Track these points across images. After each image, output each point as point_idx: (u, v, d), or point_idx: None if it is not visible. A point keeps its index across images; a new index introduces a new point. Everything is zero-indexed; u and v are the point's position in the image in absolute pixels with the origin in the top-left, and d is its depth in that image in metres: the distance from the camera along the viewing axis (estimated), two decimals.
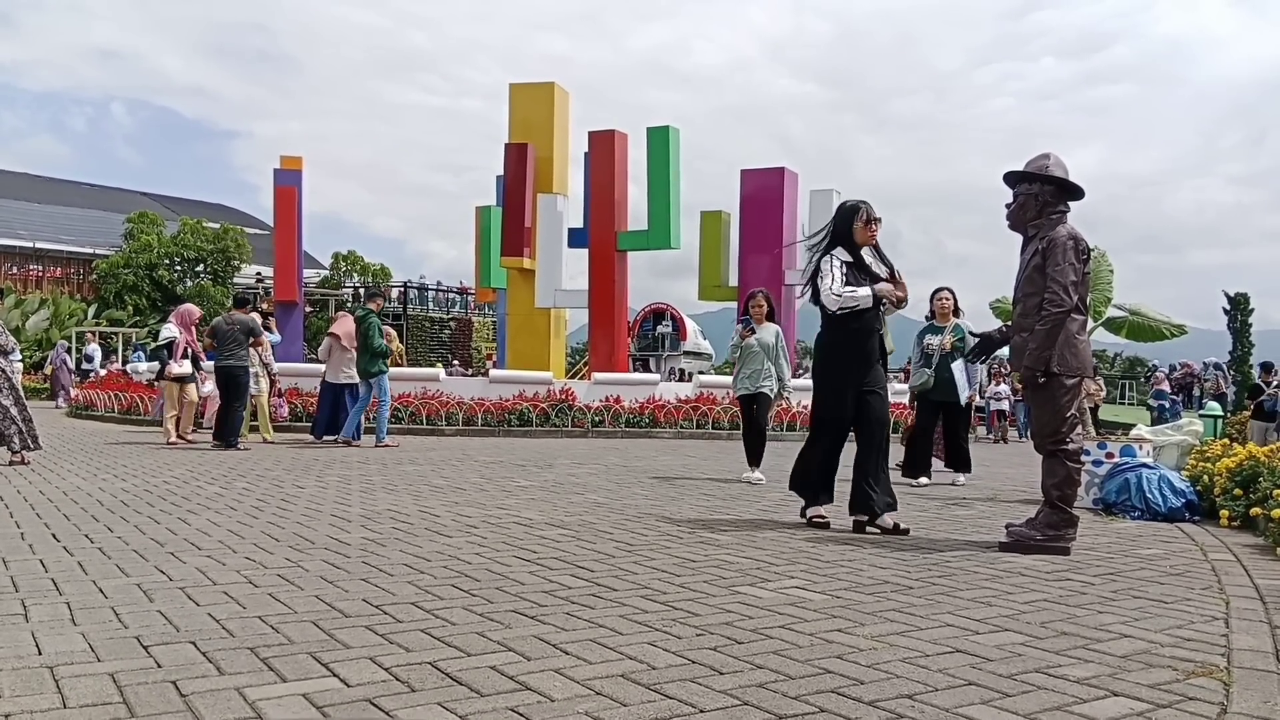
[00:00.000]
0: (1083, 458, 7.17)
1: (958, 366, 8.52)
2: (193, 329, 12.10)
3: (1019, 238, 5.21)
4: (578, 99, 20.08)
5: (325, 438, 12.24)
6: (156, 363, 12.42)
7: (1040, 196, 4.99)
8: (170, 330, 11.88)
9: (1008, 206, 5.12)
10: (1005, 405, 19.27)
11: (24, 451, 8.41)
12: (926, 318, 8.86)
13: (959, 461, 8.72)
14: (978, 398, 9.15)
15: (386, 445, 11.50)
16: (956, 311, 8.77)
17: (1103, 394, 20.45)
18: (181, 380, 11.73)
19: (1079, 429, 5.07)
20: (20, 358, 12.34)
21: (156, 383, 12.25)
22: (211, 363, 12.05)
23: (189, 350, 11.78)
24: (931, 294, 8.94)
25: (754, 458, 8.34)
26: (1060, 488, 4.91)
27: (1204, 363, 20.07)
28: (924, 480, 8.43)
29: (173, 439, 11.36)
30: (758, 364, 8.35)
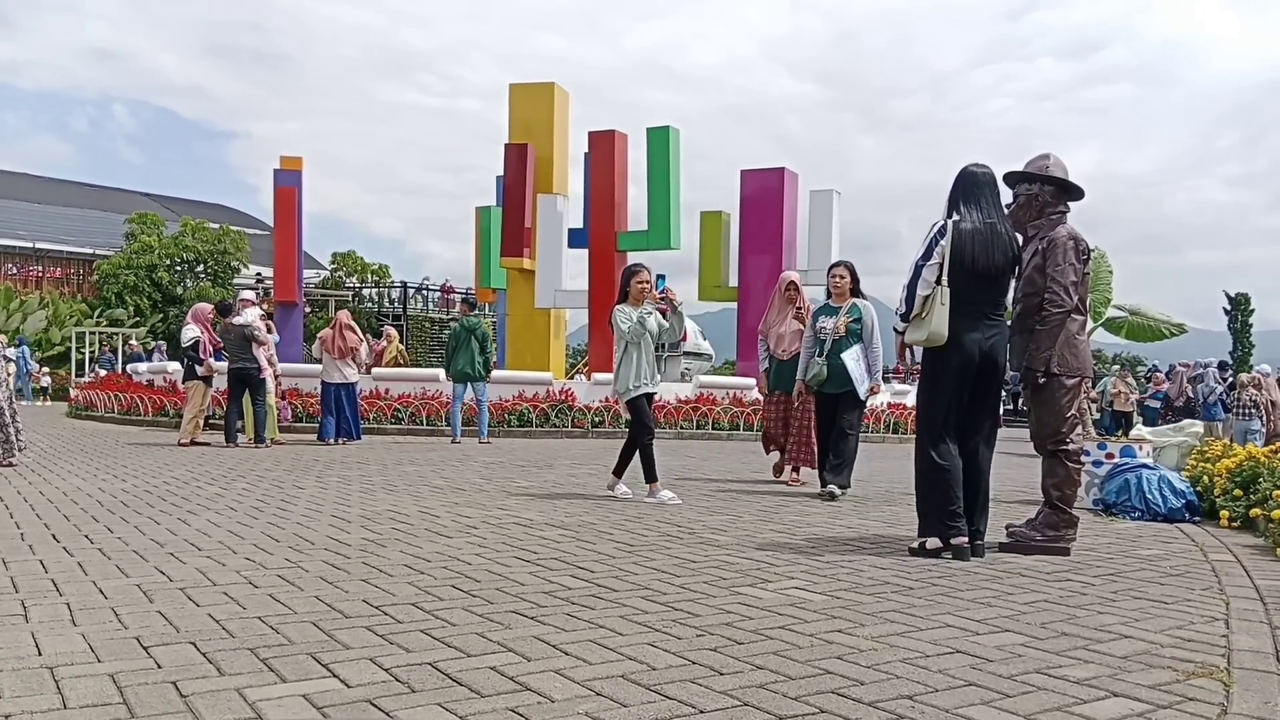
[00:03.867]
0: (1083, 458, 7.21)
1: (853, 354, 7.16)
2: (209, 325, 12.17)
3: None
4: (575, 99, 20.08)
5: (332, 440, 12.15)
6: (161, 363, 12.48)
7: (1040, 197, 4.99)
8: (192, 331, 11.92)
9: (1007, 207, 5.13)
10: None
11: (8, 457, 8.41)
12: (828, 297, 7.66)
13: (837, 466, 7.16)
14: (881, 388, 7.54)
15: (487, 442, 12.78)
16: (856, 290, 7.50)
17: (1135, 394, 19.90)
18: (208, 381, 11.75)
19: (1079, 429, 5.07)
20: (13, 357, 12.34)
21: (184, 384, 12.22)
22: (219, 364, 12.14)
23: (212, 348, 11.86)
24: (828, 270, 7.86)
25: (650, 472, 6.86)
26: (1060, 488, 4.92)
27: (1203, 367, 20.05)
28: (834, 490, 7.06)
29: (186, 440, 11.33)
30: (651, 355, 6.96)
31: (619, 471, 7.11)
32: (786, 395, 8.05)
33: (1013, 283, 4.87)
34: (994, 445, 4.84)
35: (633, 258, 18.92)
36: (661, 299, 6.99)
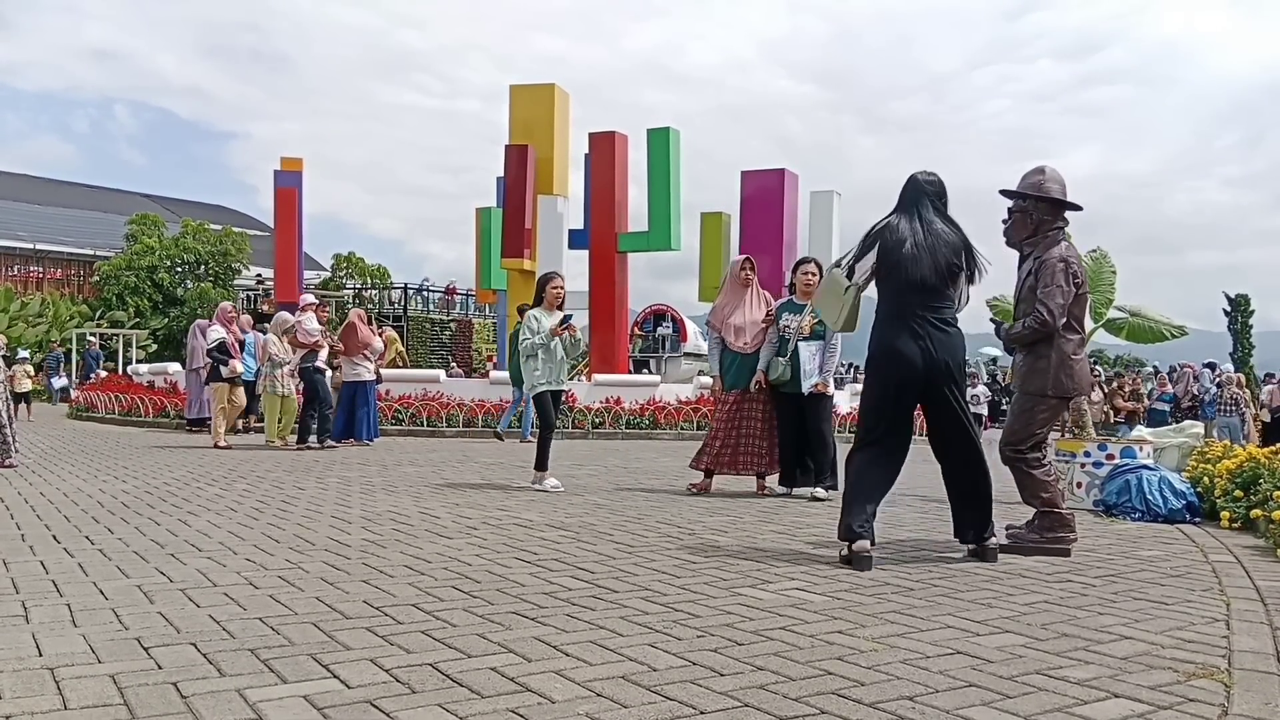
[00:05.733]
0: (1082, 459, 7.21)
1: (811, 347, 6.97)
2: (234, 325, 12.18)
3: None
4: (575, 100, 20.09)
5: (343, 441, 11.95)
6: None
7: (1034, 214, 4.96)
8: (218, 331, 11.95)
9: (1004, 223, 5.15)
10: (984, 410, 18.89)
11: (6, 458, 8.42)
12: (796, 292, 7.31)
13: (819, 471, 7.03)
14: (830, 387, 7.14)
15: (530, 440, 12.58)
16: None
17: (1144, 406, 19.24)
18: (232, 382, 11.74)
19: (1045, 447, 5.16)
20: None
21: (209, 385, 12.19)
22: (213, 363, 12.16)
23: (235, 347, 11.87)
24: (794, 266, 7.56)
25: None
26: (1036, 494, 4.93)
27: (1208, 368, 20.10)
28: (818, 493, 6.96)
29: (223, 443, 11.30)
30: (558, 356, 7.41)
31: (544, 466, 7.43)
32: (741, 394, 7.24)
33: (966, 291, 4.64)
34: (978, 448, 4.61)
35: (634, 259, 18.95)
36: (564, 330, 7.40)
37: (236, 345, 11.97)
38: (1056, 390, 4.94)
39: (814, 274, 7.18)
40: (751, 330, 7.25)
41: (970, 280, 4.64)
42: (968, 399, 4.69)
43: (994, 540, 4.63)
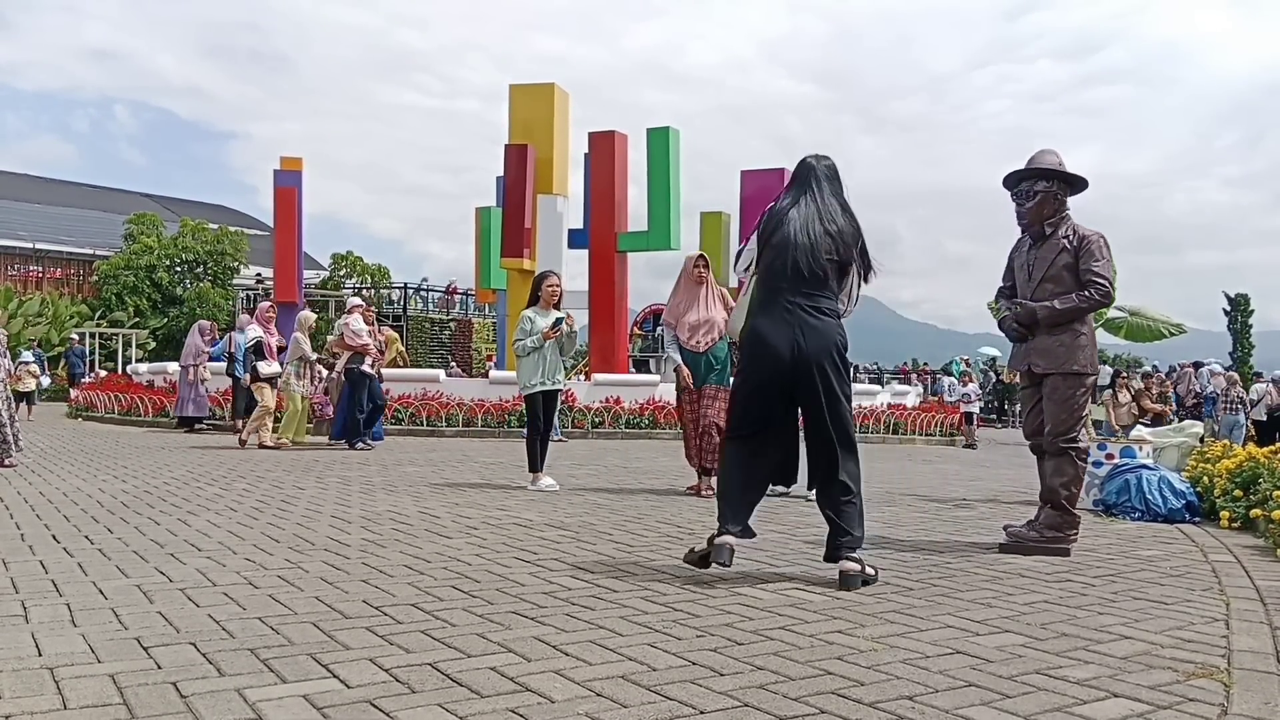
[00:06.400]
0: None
1: None
2: (271, 325, 12.16)
3: (1016, 238, 5.21)
4: (574, 99, 20.09)
5: (349, 441, 11.62)
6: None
7: (1059, 194, 5.04)
8: (255, 330, 11.92)
9: (1021, 204, 5.06)
10: (975, 408, 18.63)
11: (6, 457, 8.43)
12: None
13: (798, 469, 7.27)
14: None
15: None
16: None
17: (1171, 408, 18.68)
18: (271, 381, 11.70)
19: (1084, 429, 5.09)
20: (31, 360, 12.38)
21: (251, 386, 12.11)
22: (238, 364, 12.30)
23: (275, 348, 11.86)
24: None
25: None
26: (1069, 487, 4.90)
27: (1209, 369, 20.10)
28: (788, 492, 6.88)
29: (272, 441, 11.24)
30: (555, 356, 7.46)
31: (537, 467, 7.46)
32: (699, 392, 7.19)
33: (856, 285, 4.25)
34: (835, 451, 4.09)
35: (633, 258, 18.95)
36: (555, 332, 7.38)
37: (273, 347, 11.85)
38: (1092, 367, 4.96)
39: None
40: (704, 329, 7.17)
41: (865, 278, 4.27)
42: (842, 394, 4.10)
43: (851, 566, 3.96)
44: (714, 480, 6.96)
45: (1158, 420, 15.93)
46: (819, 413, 4.07)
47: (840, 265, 4.16)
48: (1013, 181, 5.12)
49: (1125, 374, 18.07)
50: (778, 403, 4.14)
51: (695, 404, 7.22)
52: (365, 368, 11.53)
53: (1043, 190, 5.01)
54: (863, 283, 4.27)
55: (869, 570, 4.02)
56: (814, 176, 4.25)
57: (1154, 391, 18.44)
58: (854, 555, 4.00)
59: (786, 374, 4.06)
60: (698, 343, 7.16)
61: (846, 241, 4.15)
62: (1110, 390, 17.16)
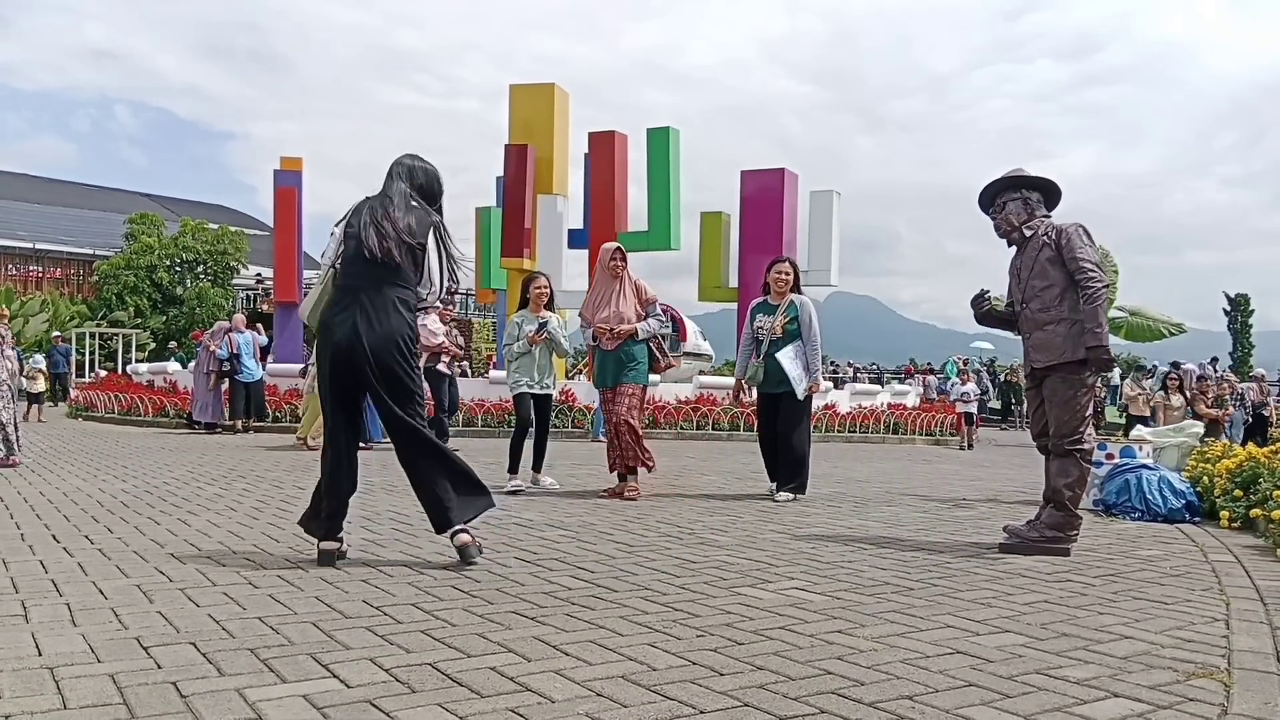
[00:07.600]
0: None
1: (789, 353, 6.89)
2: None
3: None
4: (573, 99, 20.09)
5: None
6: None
7: (1028, 199, 5.13)
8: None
9: (994, 217, 5.23)
10: (973, 407, 18.34)
11: (10, 457, 8.44)
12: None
13: (788, 471, 6.94)
14: (822, 385, 6.96)
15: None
16: (797, 288, 7.19)
17: (1227, 412, 17.05)
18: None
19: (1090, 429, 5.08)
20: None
21: (302, 384, 12.04)
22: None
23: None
24: (768, 266, 7.40)
25: (536, 460, 7.43)
26: (1073, 488, 4.89)
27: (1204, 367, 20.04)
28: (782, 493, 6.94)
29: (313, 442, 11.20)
30: (545, 359, 7.41)
31: (536, 466, 7.46)
32: (612, 392, 7.01)
33: (438, 275, 4.35)
34: (421, 443, 4.25)
35: (634, 258, 18.96)
36: (541, 337, 7.34)
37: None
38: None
39: (788, 273, 7.17)
40: (614, 323, 6.95)
41: (450, 274, 4.42)
42: (413, 386, 4.22)
43: (465, 537, 4.21)
44: (632, 480, 6.93)
45: (1213, 427, 14.33)
46: (387, 405, 4.20)
47: (414, 254, 4.27)
48: (986, 202, 5.29)
49: (1176, 374, 17.15)
50: (347, 395, 4.30)
51: (610, 403, 7.04)
52: (441, 367, 11.51)
53: (1010, 200, 5.15)
54: (444, 276, 4.40)
55: (480, 541, 4.39)
56: (393, 173, 4.40)
57: (1209, 395, 16.62)
58: (466, 527, 4.26)
59: (349, 364, 4.18)
60: (606, 343, 6.99)
61: (421, 234, 4.28)
62: (1162, 391, 15.70)
